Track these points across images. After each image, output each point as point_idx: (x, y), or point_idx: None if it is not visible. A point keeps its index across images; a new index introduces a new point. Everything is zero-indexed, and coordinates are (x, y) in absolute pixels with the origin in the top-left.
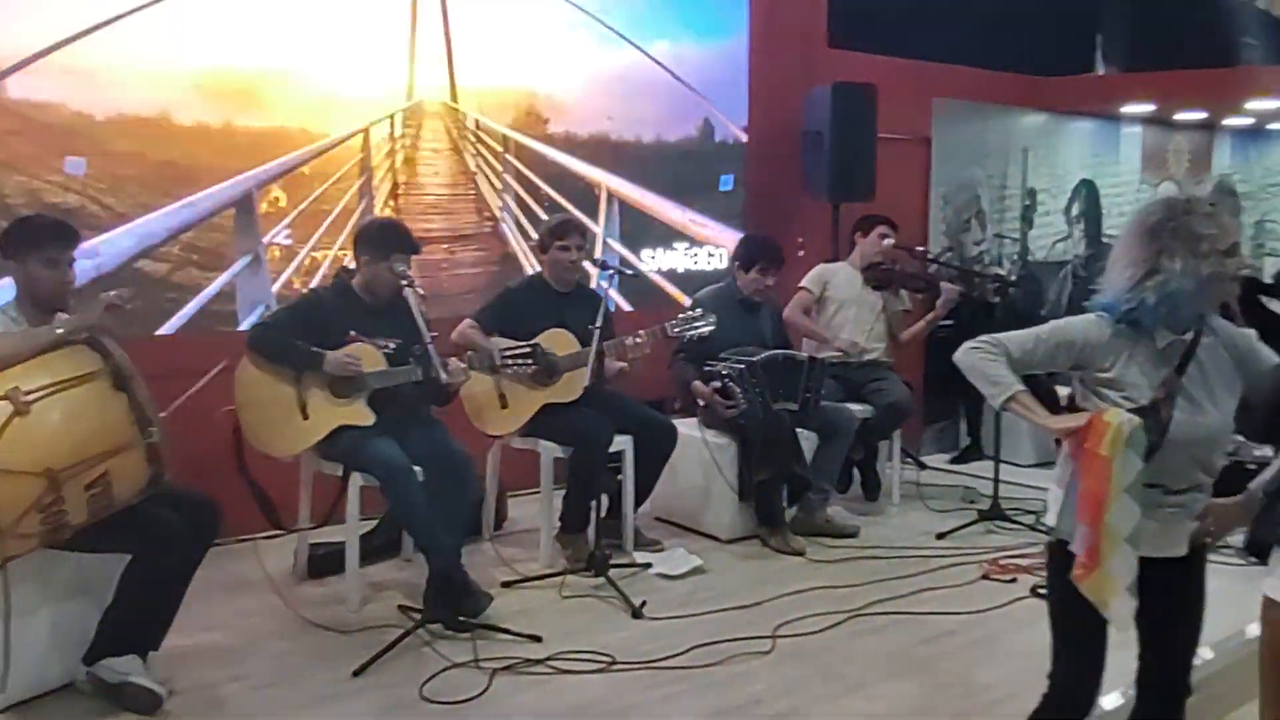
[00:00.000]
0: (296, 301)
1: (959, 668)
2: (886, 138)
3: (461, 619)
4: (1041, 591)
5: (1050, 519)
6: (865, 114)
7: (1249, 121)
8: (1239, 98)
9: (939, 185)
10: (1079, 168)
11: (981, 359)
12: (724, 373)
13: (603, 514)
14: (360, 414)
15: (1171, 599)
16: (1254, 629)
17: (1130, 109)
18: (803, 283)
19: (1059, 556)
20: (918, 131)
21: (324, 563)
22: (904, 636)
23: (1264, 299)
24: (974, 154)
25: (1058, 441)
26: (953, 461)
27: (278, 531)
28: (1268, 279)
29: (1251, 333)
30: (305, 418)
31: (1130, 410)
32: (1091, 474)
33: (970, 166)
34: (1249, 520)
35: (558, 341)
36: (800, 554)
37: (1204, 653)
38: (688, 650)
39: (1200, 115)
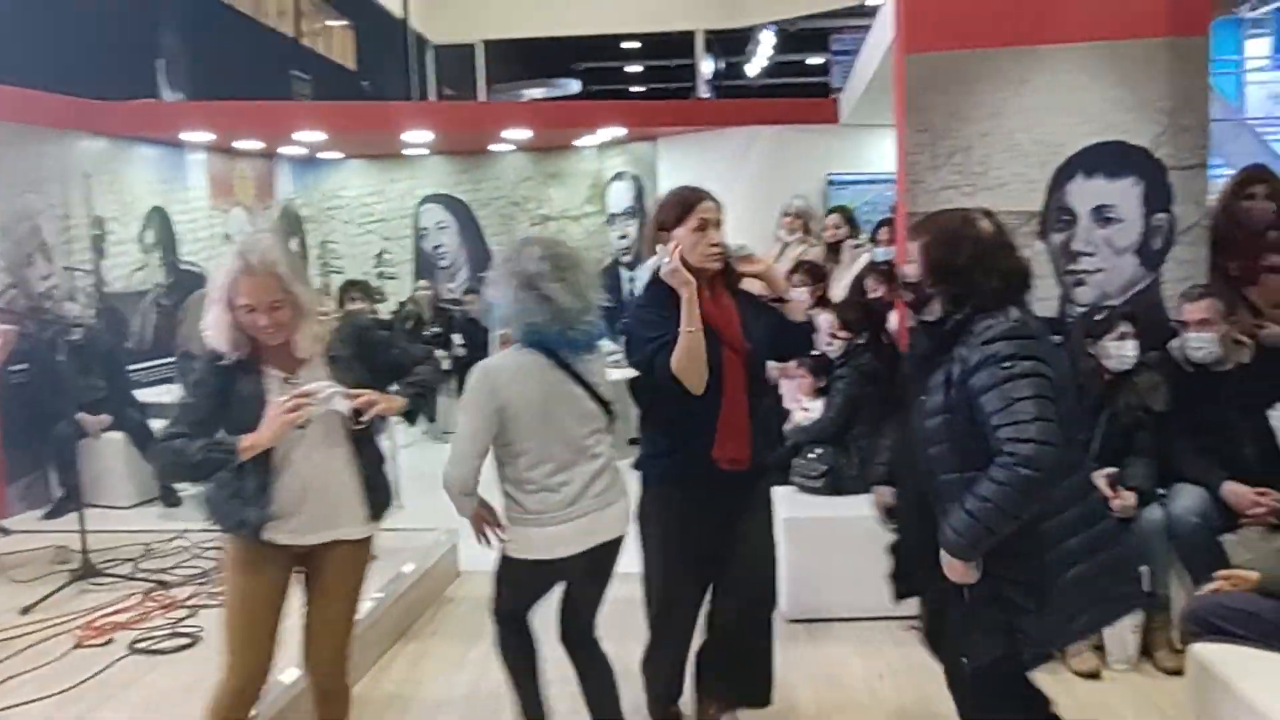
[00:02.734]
0: None
1: None
2: None
3: None
4: (140, 646)
5: None
6: None
7: (304, 151)
8: (291, 129)
9: None
10: (149, 194)
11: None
12: None
13: None
14: None
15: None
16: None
17: (193, 136)
18: None
19: None
20: None
21: None
22: None
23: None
24: (29, 181)
25: None
26: (46, 517)
27: None
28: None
29: None
30: None
31: None
32: None
33: (26, 194)
34: None
35: None
36: None
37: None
38: None
39: (259, 144)
